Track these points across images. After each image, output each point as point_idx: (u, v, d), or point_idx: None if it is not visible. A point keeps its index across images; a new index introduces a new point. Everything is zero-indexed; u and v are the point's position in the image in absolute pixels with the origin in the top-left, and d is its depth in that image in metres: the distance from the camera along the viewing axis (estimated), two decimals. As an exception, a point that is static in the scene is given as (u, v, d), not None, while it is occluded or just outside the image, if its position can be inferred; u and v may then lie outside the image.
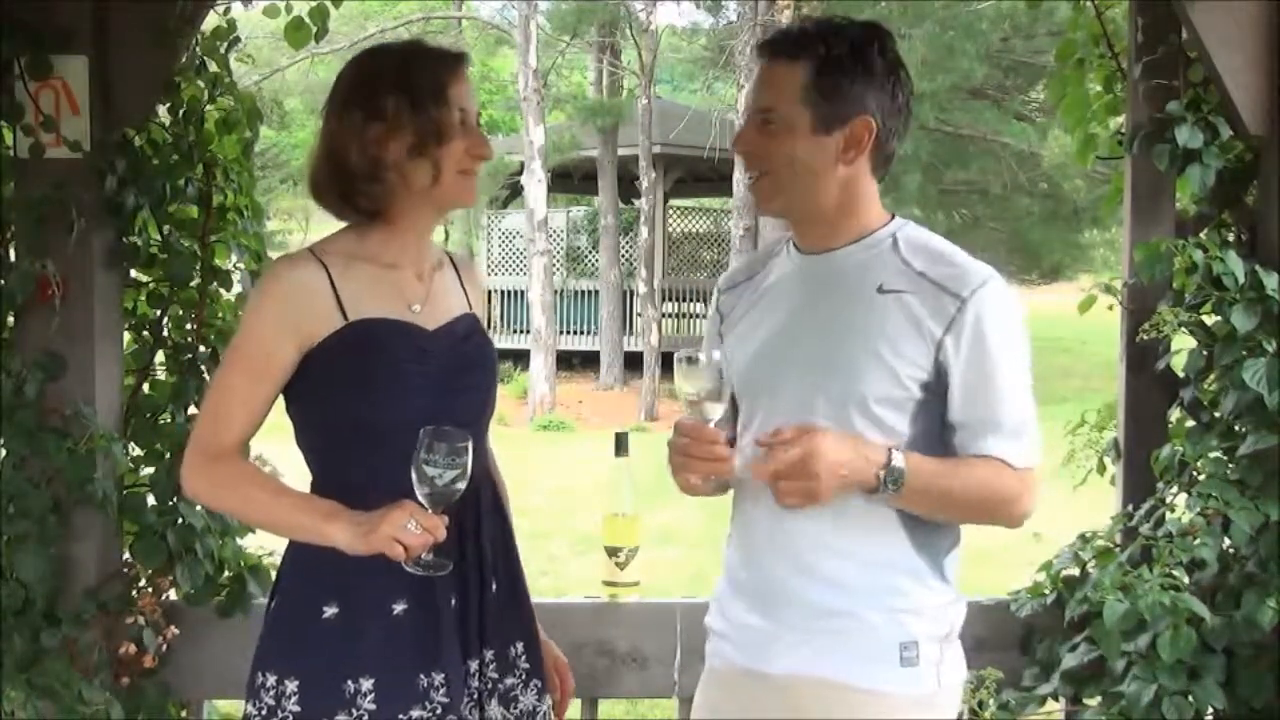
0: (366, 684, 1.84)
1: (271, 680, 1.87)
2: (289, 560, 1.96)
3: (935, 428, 1.86)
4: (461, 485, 1.78)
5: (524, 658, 2.01)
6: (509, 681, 1.99)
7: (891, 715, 1.85)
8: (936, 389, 1.84)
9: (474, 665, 1.94)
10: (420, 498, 1.77)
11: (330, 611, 1.87)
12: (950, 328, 1.81)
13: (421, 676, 1.87)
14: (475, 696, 1.94)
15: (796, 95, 1.86)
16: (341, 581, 1.87)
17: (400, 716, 1.85)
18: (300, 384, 1.90)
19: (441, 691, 1.87)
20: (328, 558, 1.85)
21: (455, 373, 1.95)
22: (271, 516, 1.93)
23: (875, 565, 1.86)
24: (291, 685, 1.86)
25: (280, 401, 1.94)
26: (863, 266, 1.89)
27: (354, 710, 1.84)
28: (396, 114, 1.88)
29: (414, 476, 1.75)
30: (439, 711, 1.87)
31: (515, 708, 1.99)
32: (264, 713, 1.87)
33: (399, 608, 1.87)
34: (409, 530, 1.76)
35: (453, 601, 1.91)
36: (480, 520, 1.96)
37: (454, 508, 1.82)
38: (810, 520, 1.85)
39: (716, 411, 1.85)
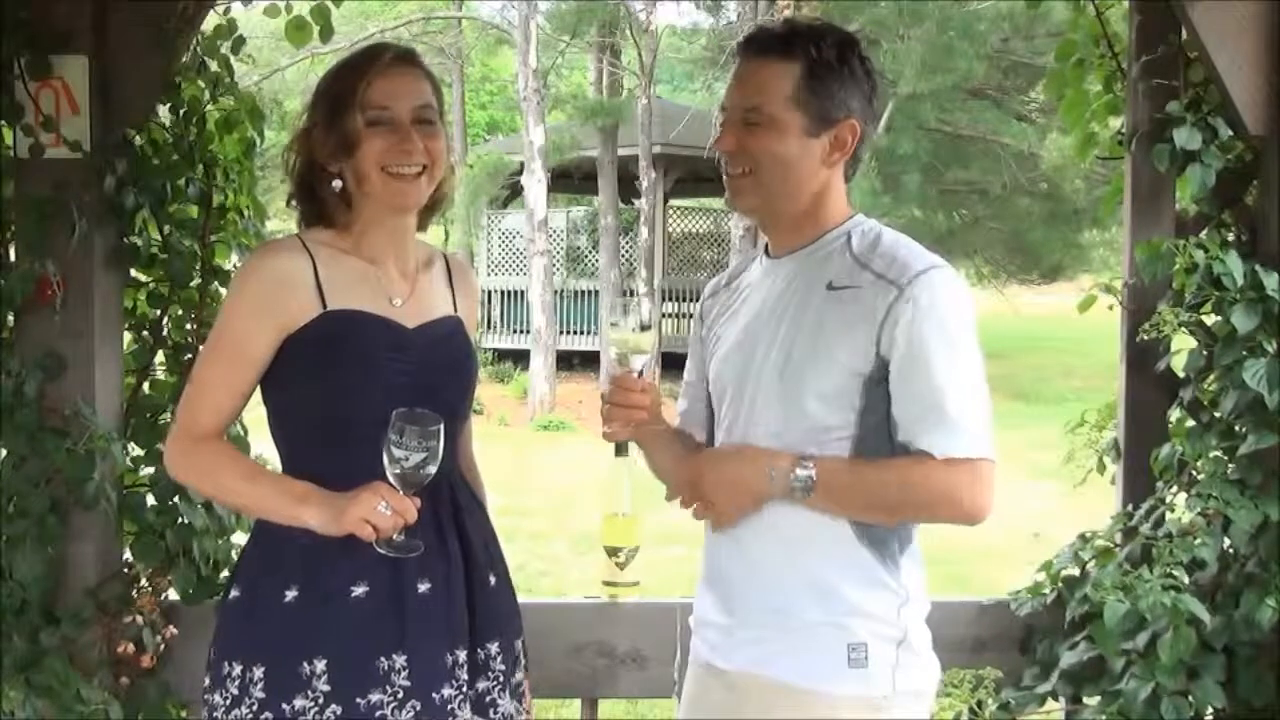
0: (320, 665, 1.84)
1: (237, 670, 1.87)
2: (252, 549, 1.97)
3: (885, 422, 1.85)
4: (431, 469, 1.79)
5: (500, 658, 2.01)
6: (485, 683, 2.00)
7: (838, 715, 1.83)
8: (882, 382, 1.83)
9: (462, 655, 1.93)
10: (390, 479, 1.78)
11: (290, 595, 1.87)
12: (887, 317, 1.80)
13: (382, 659, 1.86)
14: (462, 690, 1.92)
15: (787, 95, 1.86)
16: (304, 566, 1.87)
17: (358, 699, 1.84)
18: (277, 371, 1.91)
19: (404, 675, 1.87)
20: (292, 544, 1.87)
21: (430, 371, 1.96)
22: (245, 498, 1.95)
23: (826, 566, 1.86)
24: (258, 672, 1.86)
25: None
26: (817, 266, 1.91)
27: (310, 692, 1.84)
28: (316, 126, 1.94)
29: (384, 457, 1.77)
30: (399, 695, 1.86)
31: (496, 711, 2.00)
32: (228, 702, 1.87)
33: (359, 590, 1.87)
34: (380, 511, 1.78)
35: (421, 587, 1.90)
36: (459, 513, 1.96)
37: (428, 498, 1.84)
38: (762, 520, 1.88)
39: (639, 361, 1.91)
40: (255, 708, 1.85)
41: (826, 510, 1.84)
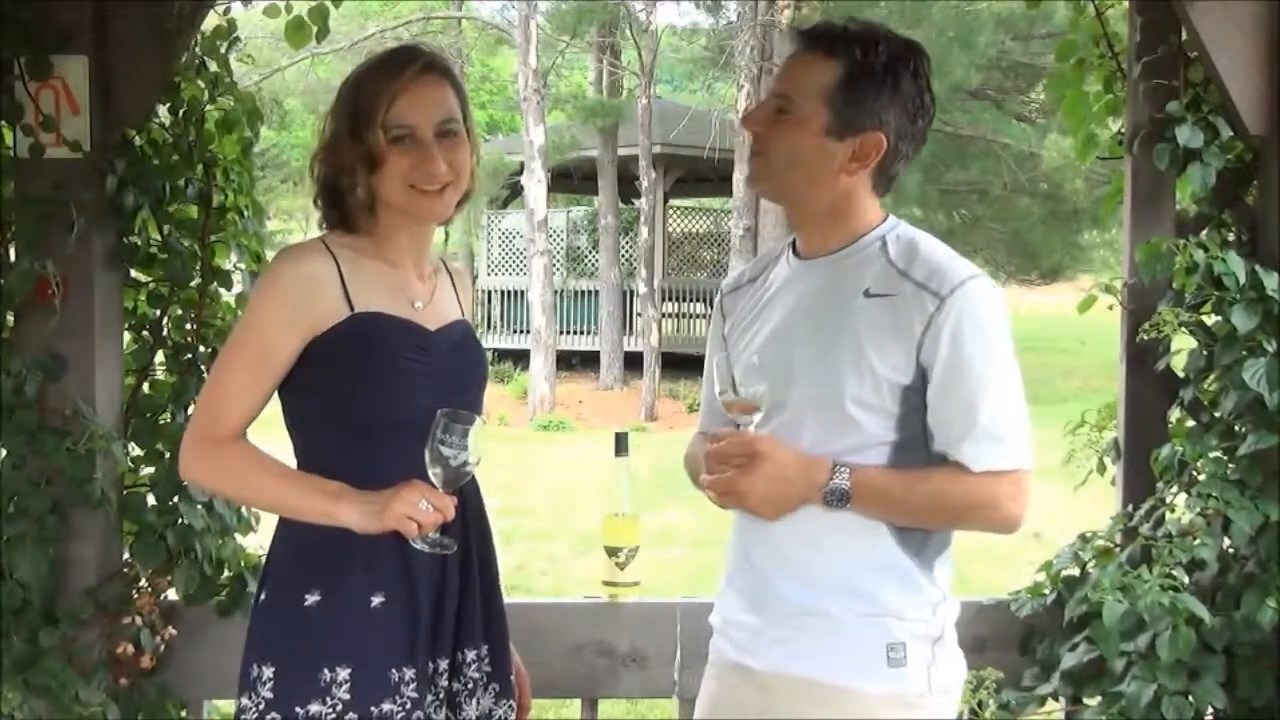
0: (343, 673, 1.85)
1: (260, 672, 1.88)
2: (278, 552, 1.97)
3: (922, 432, 1.86)
4: (470, 468, 1.82)
5: (486, 660, 2.02)
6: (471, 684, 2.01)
7: (874, 714, 1.84)
8: (921, 391, 1.83)
9: (444, 664, 1.94)
10: (432, 478, 1.81)
11: (312, 599, 1.87)
12: (929, 327, 1.80)
13: (394, 671, 1.87)
14: (441, 696, 1.95)
15: (820, 92, 1.85)
16: (326, 570, 1.88)
17: (372, 709, 1.85)
18: (301, 372, 1.90)
19: (412, 687, 1.88)
20: (315, 546, 1.87)
21: (450, 373, 1.97)
22: (275, 498, 1.93)
23: (861, 567, 1.87)
24: (268, 671, 1.87)
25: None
26: (853, 271, 1.89)
27: (328, 699, 1.84)
28: (337, 137, 1.93)
29: (427, 457, 1.79)
30: (408, 707, 1.87)
31: (478, 708, 2.01)
32: (255, 704, 1.87)
33: (377, 600, 1.88)
34: (421, 508, 1.80)
35: (427, 597, 1.92)
36: (466, 521, 1.97)
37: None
38: (797, 519, 1.86)
39: (755, 418, 1.86)
40: (262, 707, 1.86)
41: (862, 515, 1.85)
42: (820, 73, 1.86)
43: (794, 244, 2.01)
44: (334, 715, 1.84)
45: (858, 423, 1.84)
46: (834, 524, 1.85)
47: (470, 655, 1.98)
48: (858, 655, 1.85)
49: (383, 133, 1.89)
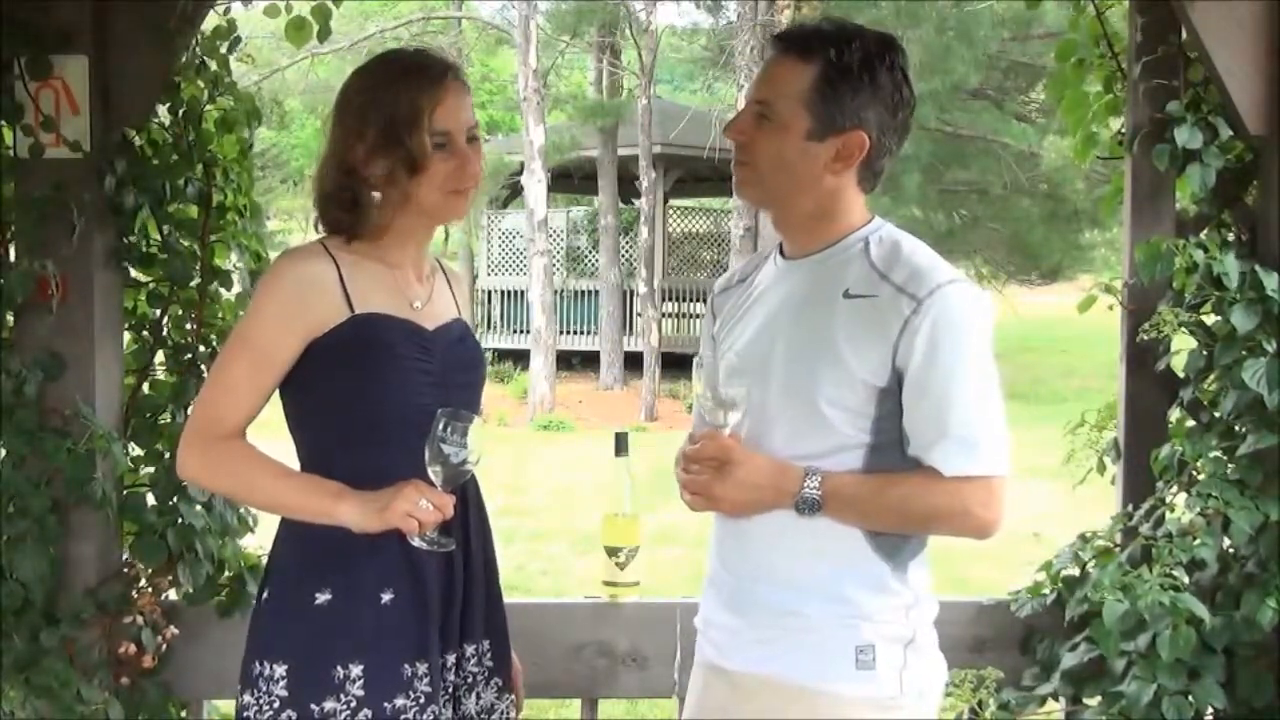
0: (356, 670, 1.86)
1: (269, 670, 1.89)
2: (281, 550, 1.97)
3: (898, 436, 1.84)
4: (470, 468, 1.85)
5: (489, 655, 2.03)
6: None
7: (847, 715, 1.83)
8: (897, 394, 1.82)
9: (451, 659, 1.97)
10: (431, 476, 1.83)
11: (323, 598, 1.88)
12: (905, 330, 1.79)
13: (406, 666, 1.89)
14: (450, 690, 1.97)
15: (798, 96, 1.84)
16: (335, 569, 1.89)
17: (385, 704, 1.86)
18: (302, 373, 1.92)
19: (425, 681, 1.90)
20: (321, 545, 1.88)
21: (450, 372, 1.98)
22: (275, 498, 1.94)
23: (830, 569, 1.86)
24: (280, 670, 1.87)
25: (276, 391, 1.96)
26: (834, 272, 1.89)
27: (343, 696, 1.86)
28: (373, 141, 1.92)
29: (428, 456, 1.82)
30: (421, 701, 1.89)
31: (478, 703, 2.03)
32: (260, 702, 1.88)
33: (387, 596, 1.89)
34: (421, 507, 1.82)
35: (438, 595, 1.93)
36: (468, 519, 1.98)
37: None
38: (771, 522, 1.86)
39: (733, 418, 1.86)
40: (276, 705, 1.87)
41: (834, 519, 1.84)
42: (797, 76, 1.85)
43: (781, 245, 2.01)
44: (348, 712, 1.85)
45: (831, 424, 1.83)
46: (808, 527, 1.84)
47: (470, 650, 2.00)
48: (827, 657, 1.84)
49: (428, 139, 1.90)
